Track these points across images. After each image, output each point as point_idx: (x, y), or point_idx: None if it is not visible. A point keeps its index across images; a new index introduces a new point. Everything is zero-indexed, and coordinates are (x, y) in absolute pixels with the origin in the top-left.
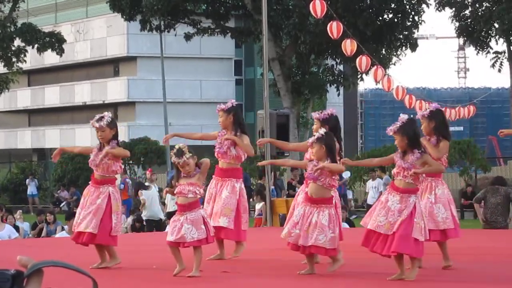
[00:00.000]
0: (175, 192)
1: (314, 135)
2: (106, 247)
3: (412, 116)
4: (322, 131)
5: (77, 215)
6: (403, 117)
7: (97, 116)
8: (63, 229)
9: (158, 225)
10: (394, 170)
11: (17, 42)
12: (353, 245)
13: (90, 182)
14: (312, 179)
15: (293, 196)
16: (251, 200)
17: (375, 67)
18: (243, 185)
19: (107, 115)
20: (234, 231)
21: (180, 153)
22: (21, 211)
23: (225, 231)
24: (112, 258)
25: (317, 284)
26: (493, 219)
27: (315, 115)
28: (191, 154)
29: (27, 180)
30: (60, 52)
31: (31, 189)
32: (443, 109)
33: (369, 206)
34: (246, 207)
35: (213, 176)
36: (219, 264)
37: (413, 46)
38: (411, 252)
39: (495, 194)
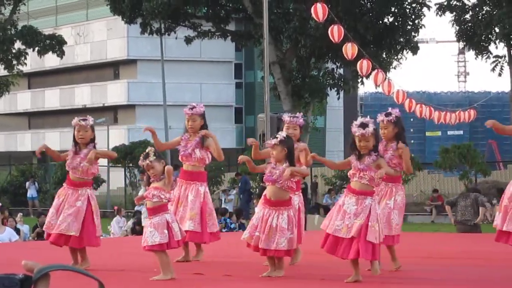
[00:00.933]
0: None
1: (276, 137)
2: (81, 249)
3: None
4: (283, 133)
5: (51, 215)
6: (370, 120)
7: (80, 117)
8: None
9: None
10: (350, 172)
11: (18, 44)
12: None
13: (65, 184)
14: (270, 182)
15: None
16: (252, 203)
17: (376, 71)
18: (207, 188)
19: (90, 118)
20: (199, 233)
21: (145, 156)
22: (21, 214)
23: (190, 234)
24: (84, 260)
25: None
26: (463, 219)
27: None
28: (155, 158)
29: (27, 183)
30: (61, 54)
31: (31, 191)
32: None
33: None
34: (211, 211)
35: (178, 179)
36: (221, 267)
37: (414, 50)
38: (368, 256)
39: (466, 198)
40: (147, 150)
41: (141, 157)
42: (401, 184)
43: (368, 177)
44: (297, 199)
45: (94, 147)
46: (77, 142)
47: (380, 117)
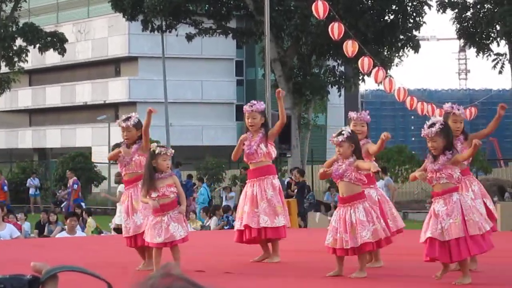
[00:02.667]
0: (155, 195)
1: (342, 134)
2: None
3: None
4: (348, 129)
5: (125, 220)
6: (439, 119)
7: (124, 116)
8: (63, 229)
9: None
10: (428, 176)
11: (19, 41)
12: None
13: (124, 189)
14: (338, 177)
15: (291, 196)
16: None
17: (377, 68)
18: (277, 180)
19: (134, 115)
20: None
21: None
22: (22, 213)
23: (284, 229)
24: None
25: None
26: None
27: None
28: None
29: (29, 180)
30: (62, 52)
31: (33, 188)
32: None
33: None
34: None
35: (247, 180)
36: (222, 264)
37: (416, 47)
38: (481, 250)
39: None
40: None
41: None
42: (472, 175)
43: (446, 175)
44: (374, 192)
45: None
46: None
47: (458, 111)
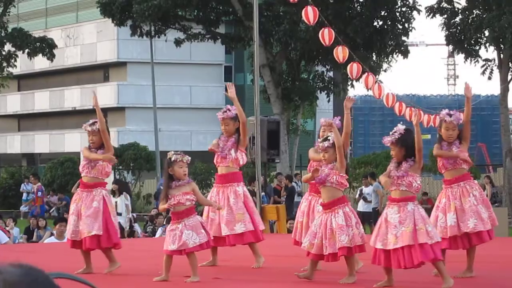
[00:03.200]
0: (171, 204)
1: (328, 140)
2: (107, 251)
3: (403, 124)
4: (333, 136)
5: (73, 222)
6: (400, 127)
7: (90, 121)
8: (52, 234)
9: None
10: (388, 183)
11: (8, 46)
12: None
13: (78, 189)
14: (319, 183)
15: (278, 202)
16: None
17: (366, 74)
18: (245, 188)
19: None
20: (254, 232)
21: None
22: (11, 218)
23: (245, 236)
24: (112, 262)
25: None
26: None
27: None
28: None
29: (22, 185)
30: (51, 57)
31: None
32: (432, 116)
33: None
34: (255, 208)
35: (214, 184)
36: (210, 270)
37: (405, 53)
38: (431, 258)
39: None
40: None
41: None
42: (473, 179)
43: (406, 183)
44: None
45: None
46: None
47: (449, 118)
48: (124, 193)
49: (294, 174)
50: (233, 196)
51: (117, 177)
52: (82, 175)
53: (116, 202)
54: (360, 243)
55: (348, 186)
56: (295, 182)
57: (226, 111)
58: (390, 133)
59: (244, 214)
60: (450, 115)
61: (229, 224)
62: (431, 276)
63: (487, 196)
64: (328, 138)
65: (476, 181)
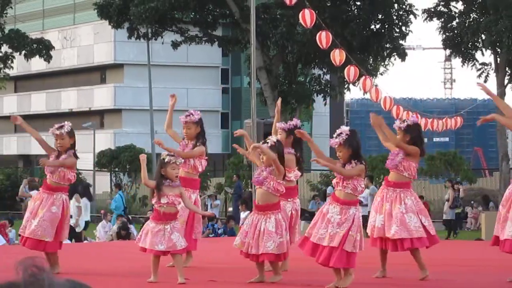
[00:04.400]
0: (164, 202)
1: (267, 142)
2: (52, 254)
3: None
4: (274, 138)
5: (26, 219)
6: (345, 128)
7: (57, 125)
8: (86, 239)
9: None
10: (334, 181)
11: (4, 48)
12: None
13: (41, 188)
14: (257, 183)
15: None
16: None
17: (364, 77)
18: (198, 196)
19: (67, 124)
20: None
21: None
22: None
23: None
24: (55, 265)
25: None
26: None
27: (280, 125)
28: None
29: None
30: (48, 58)
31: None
32: (430, 120)
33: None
34: (199, 218)
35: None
36: (206, 272)
37: (402, 56)
38: (341, 264)
39: None
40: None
41: (55, 126)
42: (411, 189)
43: (352, 186)
44: (290, 206)
45: (74, 153)
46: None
47: (398, 124)
48: (75, 195)
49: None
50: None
51: (113, 179)
52: (47, 177)
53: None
54: (285, 250)
55: (284, 191)
56: None
57: (189, 115)
58: (335, 134)
59: (184, 221)
60: (405, 121)
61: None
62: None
63: (448, 200)
64: (267, 141)
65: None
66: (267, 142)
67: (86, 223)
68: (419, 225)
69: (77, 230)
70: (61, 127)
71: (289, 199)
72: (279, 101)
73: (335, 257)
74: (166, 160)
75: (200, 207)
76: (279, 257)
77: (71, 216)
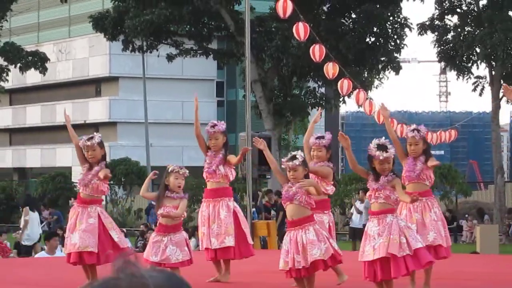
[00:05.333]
0: (161, 213)
1: (297, 158)
2: (94, 267)
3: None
4: (302, 153)
5: (69, 237)
6: (386, 141)
7: (86, 136)
8: (42, 249)
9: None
10: (368, 194)
11: (0, 61)
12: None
13: (75, 203)
14: (288, 200)
15: (268, 219)
16: None
17: (357, 90)
18: (235, 203)
19: (97, 135)
20: (241, 247)
21: (90, 138)
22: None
23: (233, 250)
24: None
25: None
26: None
27: (320, 141)
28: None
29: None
30: (43, 71)
31: None
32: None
33: (354, 230)
34: (245, 223)
35: (204, 198)
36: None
37: (396, 69)
38: (401, 272)
39: None
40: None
41: (84, 138)
42: (434, 197)
43: (384, 196)
44: (327, 218)
45: (105, 164)
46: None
47: (411, 133)
48: (25, 208)
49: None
50: (225, 210)
51: (108, 192)
52: (80, 190)
53: None
54: (330, 254)
55: (314, 206)
56: None
57: (215, 125)
58: (377, 144)
59: (233, 229)
60: (413, 131)
61: (219, 237)
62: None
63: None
64: (296, 156)
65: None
66: (297, 158)
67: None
68: (445, 235)
69: (27, 243)
70: (92, 138)
71: (325, 211)
72: (318, 114)
73: (392, 267)
74: (170, 169)
75: (242, 213)
76: (325, 264)
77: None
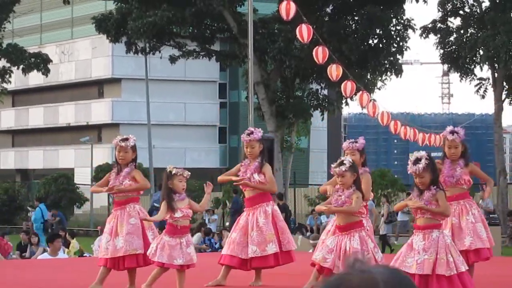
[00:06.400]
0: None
1: (344, 163)
2: (133, 270)
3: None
4: (350, 159)
5: (106, 241)
6: (423, 154)
7: (120, 137)
8: (45, 251)
9: None
10: (412, 210)
11: (2, 62)
12: None
13: (113, 210)
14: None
15: None
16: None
17: (361, 92)
18: (275, 206)
19: (132, 137)
20: (284, 253)
21: (124, 139)
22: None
23: (276, 256)
24: (131, 285)
25: None
26: None
27: (353, 145)
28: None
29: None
30: (46, 72)
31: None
32: (427, 135)
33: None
34: (284, 228)
35: (245, 208)
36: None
37: (398, 71)
38: None
39: None
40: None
41: (118, 138)
42: (472, 199)
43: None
44: (364, 222)
45: (135, 166)
46: (118, 163)
47: (451, 136)
48: None
49: (311, 210)
50: (263, 216)
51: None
52: (113, 196)
53: None
54: None
55: (365, 213)
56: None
57: (251, 133)
58: (411, 160)
59: (273, 235)
60: (454, 132)
61: (260, 245)
62: None
63: (383, 215)
64: (344, 162)
65: (474, 201)
66: (344, 164)
67: None
68: (486, 236)
69: None
70: (126, 139)
71: (363, 216)
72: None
73: (433, 285)
74: (173, 172)
75: (281, 217)
76: None
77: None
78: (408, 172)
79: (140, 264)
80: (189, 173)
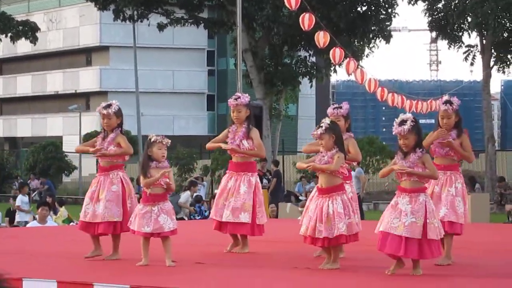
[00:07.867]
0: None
1: (321, 126)
2: (117, 238)
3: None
4: (328, 120)
5: (86, 204)
6: (409, 116)
7: (104, 103)
8: (34, 218)
9: None
10: (397, 173)
11: None
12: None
13: (97, 173)
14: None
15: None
16: None
17: (348, 59)
18: (258, 179)
19: (115, 103)
20: (250, 225)
21: (107, 105)
22: None
23: (244, 226)
24: (116, 252)
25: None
26: None
27: (337, 111)
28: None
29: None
30: (34, 40)
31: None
32: (414, 102)
33: None
34: (261, 201)
35: (227, 170)
36: (193, 254)
37: (387, 38)
38: (432, 256)
39: None
40: (152, 138)
41: (102, 105)
42: (460, 172)
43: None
44: (349, 188)
45: (121, 131)
46: (104, 129)
47: (444, 107)
48: None
49: (300, 177)
50: (246, 185)
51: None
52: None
53: None
54: (357, 230)
55: (348, 176)
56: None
57: (238, 98)
58: (397, 122)
59: (251, 206)
60: (446, 103)
61: (235, 211)
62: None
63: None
64: (321, 124)
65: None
66: (321, 126)
67: None
68: (463, 212)
69: None
70: (109, 106)
71: (347, 181)
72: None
73: (425, 248)
74: (152, 140)
75: (261, 191)
76: (349, 239)
77: None
78: (393, 133)
79: (117, 232)
80: (169, 141)
